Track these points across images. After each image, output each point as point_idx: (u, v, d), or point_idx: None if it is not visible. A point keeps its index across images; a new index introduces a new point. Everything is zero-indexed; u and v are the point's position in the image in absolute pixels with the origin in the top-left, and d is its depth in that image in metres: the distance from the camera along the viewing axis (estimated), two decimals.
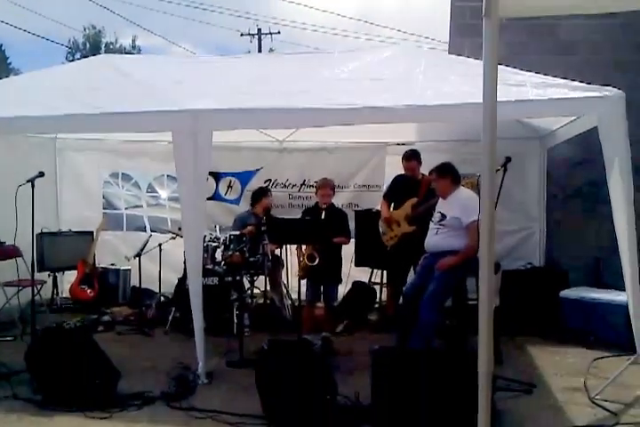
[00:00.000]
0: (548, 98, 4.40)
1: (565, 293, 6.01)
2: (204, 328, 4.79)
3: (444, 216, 4.98)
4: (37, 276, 5.73)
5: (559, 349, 5.57)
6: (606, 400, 4.12)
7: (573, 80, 4.70)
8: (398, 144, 7.44)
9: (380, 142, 7.60)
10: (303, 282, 5.39)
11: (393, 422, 3.68)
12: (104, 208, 8.19)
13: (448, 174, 5.06)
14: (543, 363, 5.14)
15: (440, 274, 4.83)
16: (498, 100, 2.44)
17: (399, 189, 6.26)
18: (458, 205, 4.94)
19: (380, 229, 6.28)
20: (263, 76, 5.67)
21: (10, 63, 41.83)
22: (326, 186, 5.82)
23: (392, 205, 6.26)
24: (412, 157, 6.14)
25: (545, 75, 4.87)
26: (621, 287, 4.52)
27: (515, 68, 4.95)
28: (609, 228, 4.38)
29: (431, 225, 5.12)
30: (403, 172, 6.39)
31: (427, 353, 4.30)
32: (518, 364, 5.08)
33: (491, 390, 2.42)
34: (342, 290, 6.68)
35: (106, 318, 6.61)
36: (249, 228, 6.54)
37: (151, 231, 7.89)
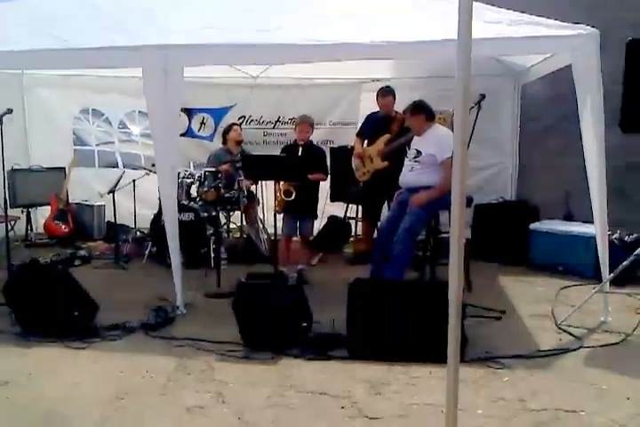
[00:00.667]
0: (522, 36, 4.37)
1: (535, 225, 6.17)
2: (181, 262, 4.86)
3: (419, 153, 5.01)
4: (10, 212, 5.70)
5: (528, 278, 5.76)
6: (572, 326, 4.29)
7: (550, 18, 4.66)
8: (373, 80, 7.38)
9: (355, 79, 7.52)
10: (279, 217, 5.43)
11: (367, 348, 3.81)
12: (75, 144, 8.07)
13: (421, 111, 5.05)
14: (513, 292, 5.31)
15: (414, 209, 4.89)
16: (473, 37, 2.42)
17: (372, 127, 6.26)
18: (433, 141, 4.96)
19: (353, 165, 6.31)
20: (236, 11, 5.51)
21: None
22: (305, 122, 5.79)
23: (365, 142, 6.27)
24: (388, 92, 6.12)
25: (522, 12, 4.82)
26: (590, 220, 4.64)
27: (492, 5, 4.89)
28: (580, 163, 4.45)
29: (406, 162, 5.15)
30: (377, 108, 6.37)
31: (400, 284, 4.43)
32: (489, 292, 5.24)
33: (460, 317, 2.51)
34: (318, 225, 6.76)
35: (82, 252, 6.61)
36: (224, 166, 6.53)
37: (124, 168, 7.82)
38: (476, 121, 4.85)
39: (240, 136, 6.91)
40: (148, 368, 3.67)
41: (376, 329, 3.80)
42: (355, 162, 6.28)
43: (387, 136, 5.94)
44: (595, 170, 4.30)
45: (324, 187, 6.51)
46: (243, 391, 3.35)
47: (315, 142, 6.55)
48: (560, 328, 4.27)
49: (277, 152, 6.10)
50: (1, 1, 6.13)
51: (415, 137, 5.20)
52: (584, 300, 4.35)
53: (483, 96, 4.91)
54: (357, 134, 6.49)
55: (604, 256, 4.39)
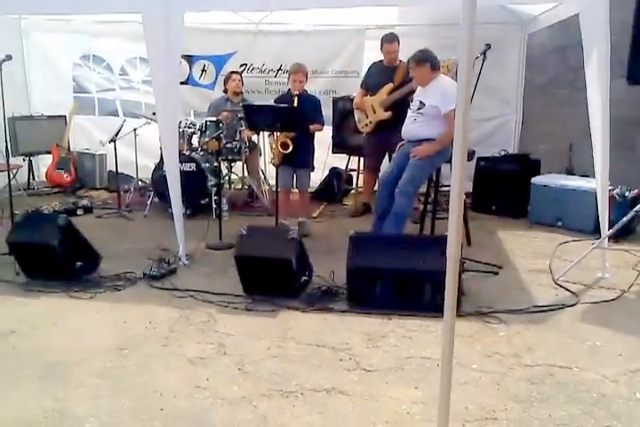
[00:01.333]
0: None
1: (536, 179, 6.13)
2: (183, 213, 4.89)
3: (422, 104, 4.93)
4: (12, 160, 5.69)
5: (528, 233, 5.77)
6: (569, 282, 4.33)
7: None
8: (378, 27, 7.22)
9: (359, 25, 7.36)
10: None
11: (365, 301, 3.87)
12: (75, 92, 7.99)
13: (426, 61, 4.93)
14: (511, 246, 5.33)
15: (416, 161, 4.87)
16: None
17: (376, 76, 6.14)
18: (437, 93, 4.87)
19: (356, 116, 6.24)
20: None
21: None
22: (298, 71, 5.62)
23: (368, 92, 6.17)
24: (393, 39, 5.96)
25: None
26: (592, 175, 4.62)
27: None
28: (584, 116, 4.39)
29: (409, 113, 5.08)
30: (381, 58, 6.24)
31: (400, 237, 4.46)
32: (487, 247, 5.27)
33: (458, 271, 2.54)
34: (319, 176, 6.76)
35: (84, 202, 6.64)
36: (224, 113, 6.48)
37: (124, 116, 7.76)
38: (480, 71, 4.76)
39: (238, 86, 6.82)
40: (150, 319, 3.74)
41: (375, 282, 3.85)
42: (356, 113, 6.20)
43: (389, 86, 5.84)
44: (598, 123, 4.23)
45: (325, 138, 6.45)
46: (244, 343, 3.42)
47: (317, 92, 6.46)
48: (557, 284, 4.31)
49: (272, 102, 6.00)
50: None
51: (419, 88, 5.12)
52: (582, 255, 4.36)
53: (488, 46, 4.80)
54: (361, 85, 6.38)
55: (604, 212, 4.38)
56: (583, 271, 4.47)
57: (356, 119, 6.21)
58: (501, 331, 3.54)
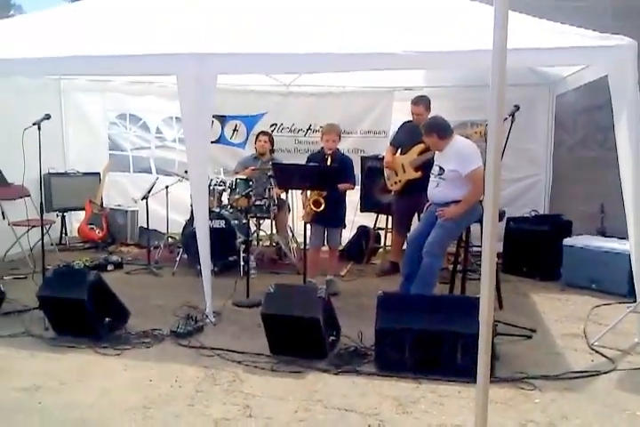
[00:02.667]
0: (557, 46, 4.33)
1: (569, 240, 6.04)
2: (211, 270, 4.90)
3: (442, 169, 4.95)
4: (46, 216, 5.79)
5: (560, 295, 5.66)
6: (604, 347, 4.20)
7: (590, 28, 4.60)
8: (406, 89, 7.36)
9: (387, 87, 7.51)
10: (308, 226, 5.43)
11: (395, 363, 3.78)
12: (110, 149, 8.20)
13: (432, 132, 4.99)
14: (544, 309, 5.23)
15: (443, 222, 4.85)
16: (508, 47, 2.40)
17: (406, 135, 6.21)
18: (453, 157, 4.89)
19: (385, 174, 6.27)
20: (269, 20, 5.55)
21: None
22: (332, 132, 5.73)
23: (399, 151, 6.22)
24: (419, 101, 6.06)
25: (562, 23, 4.76)
26: (625, 236, 4.55)
27: (524, 13, 4.84)
28: (615, 176, 4.37)
29: (431, 177, 5.09)
30: (410, 117, 6.33)
31: (430, 298, 4.40)
32: (520, 309, 5.16)
33: (491, 336, 2.49)
34: (348, 235, 6.75)
35: (114, 257, 6.69)
36: (247, 170, 6.60)
37: (157, 173, 7.92)
38: (509, 132, 4.79)
39: (263, 147, 6.97)
40: (176, 377, 3.71)
41: (405, 345, 3.77)
42: (386, 171, 6.24)
43: (420, 146, 5.87)
44: (630, 183, 4.20)
45: (353, 197, 6.48)
46: (270, 405, 3.36)
47: (346, 151, 6.54)
48: (592, 349, 4.19)
49: (304, 160, 6.09)
50: (40, 9, 6.28)
51: (437, 152, 5.16)
52: (617, 319, 4.26)
53: (517, 107, 4.81)
54: (391, 143, 6.44)
55: (639, 274, 4.29)
56: (619, 336, 4.35)
57: (386, 177, 6.24)
58: (536, 398, 3.43)
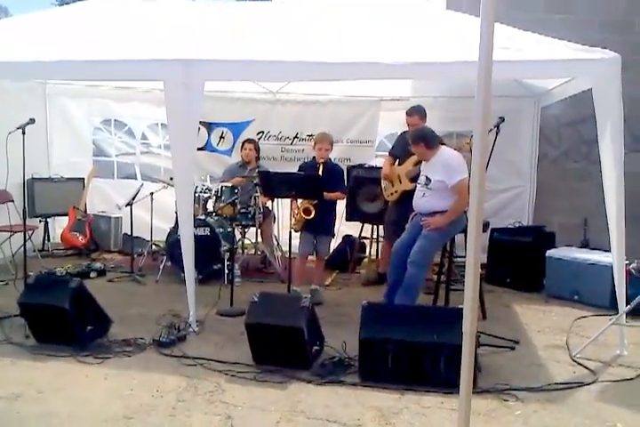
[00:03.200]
0: (543, 59, 4.37)
1: (551, 252, 6.08)
2: (195, 278, 4.87)
3: (428, 179, 4.96)
4: (29, 222, 5.74)
5: (544, 307, 5.68)
6: (586, 359, 4.22)
7: (577, 41, 4.65)
8: (392, 99, 7.39)
9: (374, 97, 7.54)
10: (295, 235, 5.42)
11: (378, 374, 3.78)
12: (94, 155, 8.15)
13: (420, 141, 5.02)
14: (527, 320, 5.24)
15: (428, 232, 4.87)
16: (493, 59, 2.42)
17: (402, 146, 6.20)
18: (440, 167, 4.91)
19: (382, 185, 6.27)
20: (258, 25, 5.57)
21: None
22: (324, 140, 5.73)
23: (397, 161, 6.21)
24: (412, 112, 6.04)
25: (548, 35, 4.81)
26: (607, 248, 4.58)
27: (510, 25, 4.90)
28: (598, 189, 4.40)
29: (417, 187, 5.10)
30: (398, 127, 6.34)
31: (414, 309, 4.40)
32: (503, 320, 5.18)
33: (474, 347, 2.49)
34: (333, 244, 6.73)
35: (97, 264, 6.63)
36: (236, 179, 6.59)
37: (142, 180, 7.88)
38: (494, 143, 4.82)
39: (248, 156, 6.98)
40: (157, 387, 3.67)
41: (388, 355, 3.76)
42: (384, 182, 6.23)
43: (416, 157, 5.84)
44: (613, 196, 4.24)
45: (339, 206, 6.46)
46: (252, 415, 3.34)
47: (332, 160, 6.55)
48: (575, 360, 4.21)
49: (295, 168, 6.09)
50: (26, 13, 6.26)
51: (423, 162, 5.18)
52: (600, 331, 4.28)
53: (502, 119, 4.86)
54: (389, 152, 6.43)
55: (621, 287, 4.32)
56: (601, 348, 4.38)
57: (383, 187, 6.23)
58: (518, 409, 3.43)
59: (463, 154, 4.97)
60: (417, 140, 5.03)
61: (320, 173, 5.50)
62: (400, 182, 5.98)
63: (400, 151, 6.16)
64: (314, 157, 5.84)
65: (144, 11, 6.49)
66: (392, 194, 6.08)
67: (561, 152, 7.52)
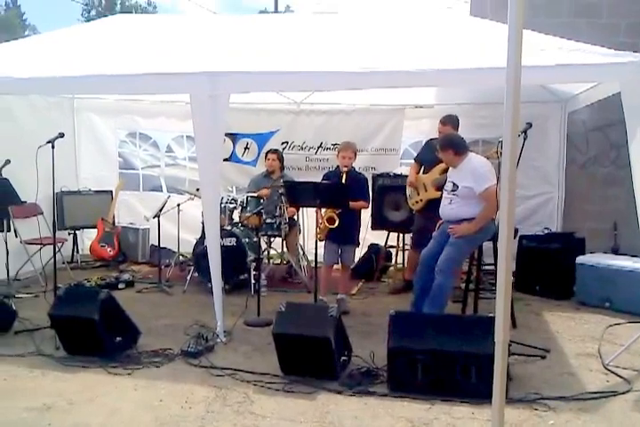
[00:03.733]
0: (570, 64, 4.32)
1: (582, 259, 5.98)
2: (222, 288, 4.88)
3: (455, 186, 4.92)
4: (58, 234, 5.81)
5: (574, 315, 5.59)
6: (619, 367, 4.14)
7: (595, 44, 4.61)
8: (416, 107, 7.37)
9: (398, 105, 7.52)
10: (320, 244, 5.41)
11: (408, 384, 3.74)
12: (120, 168, 8.24)
13: (449, 148, 4.98)
14: (558, 328, 5.16)
15: (455, 240, 4.82)
16: (521, 65, 2.40)
17: (429, 153, 6.15)
18: (468, 174, 4.87)
19: (407, 193, 6.24)
20: (281, 37, 5.61)
21: (26, 19, 41.62)
22: (348, 149, 5.75)
23: (422, 168, 6.18)
24: (446, 121, 6.00)
25: (576, 40, 4.77)
26: (638, 254, 4.50)
27: (536, 31, 4.86)
28: (628, 194, 4.33)
29: (444, 194, 5.07)
30: (420, 136, 6.31)
31: (443, 318, 4.35)
32: (533, 329, 5.11)
33: (507, 357, 2.45)
34: (359, 253, 6.72)
35: (126, 276, 6.71)
36: (263, 190, 6.61)
37: (168, 192, 7.94)
38: (522, 149, 4.77)
39: (272, 166, 6.99)
40: (186, 398, 3.68)
41: (418, 365, 3.72)
42: (408, 190, 6.20)
43: (443, 165, 5.78)
44: None
45: (364, 215, 6.45)
46: (280, 426, 3.32)
47: (357, 169, 6.55)
48: (607, 369, 4.13)
49: (319, 178, 6.09)
50: (53, 30, 6.37)
51: (450, 168, 5.14)
52: (633, 339, 4.20)
53: (529, 125, 4.80)
54: (415, 159, 6.41)
55: None
56: (634, 356, 4.30)
57: (408, 196, 6.20)
58: (551, 419, 3.37)
59: (491, 161, 4.93)
60: (445, 147, 4.99)
61: (343, 181, 5.50)
62: (425, 191, 5.94)
63: (426, 158, 6.11)
64: (338, 166, 5.85)
65: (168, 25, 6.59)
66: (417, 202, 6.04)
67: (589, 157, 7.43)
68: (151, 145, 8.29)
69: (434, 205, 5.77)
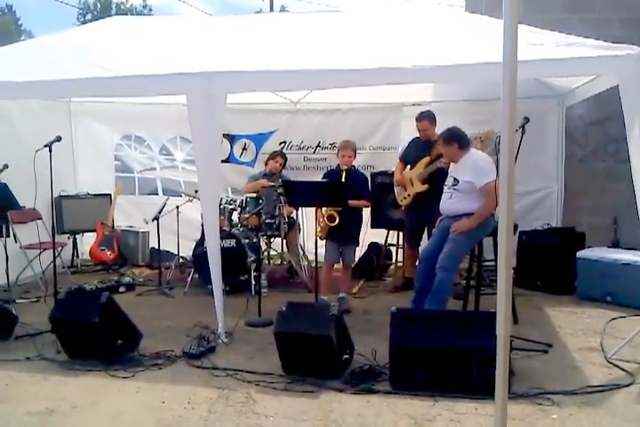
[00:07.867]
0: (567, 57, 4.31)
1: (582, 253, 5.98)
2: (222, 289, 4.88)
3: (456, 180, 4.93)
4: (57, 238, 5.80)
5: (576, 309, 5.58)
6: (622, 360, 4.13)
7: (600, 38, 4.59)
8: (414, 104, 7.36)
9: (395, 103, 7.51)
10: (320, 244, 5.40)
11: (410, 381, 3.73)
12: (117, 171, 8.24)
13: (454, 141, 4.98)
14: (560, 323, 5.15)
15: (456, 236, 4.82)
16: (517, 59, 2.39)
17: (414, 151, 6.21)
18: (469, 168, 4.88)
19: (395, 191, 6.27)
20: (277, 36, 5.60)
21: (21, 24, 41.63)
22: (348, 147, 5.74)
23: (408, 166, 6.22)
24: (422, 117, 6.05)
25: (569, 34, 4.76)
26: (639, 248, 4.49)
27: (533, 26, 4.85)
28: (627, 188, 4.32)
29: (445, 189, 5.08)
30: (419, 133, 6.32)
31: (444, 314, 4.34)
32: (535, 324, 5.10)
33: (509, 351, 2.44)
34: (359, 252, 6.71)
35: (126, 279, 6.71)
36: (261, 180, 6.61)
37: (164, 194, 7.94)
38: (520, 144, 4.76)
39: (276, 168, 6.99)
40: (189, 399, 3.67)
41: (419, 361, 3.71)
42: (396, 188, 6.24)
43: (426, 159, 5.86)
44: None
45: (364, 213, 6.45)
46: (284, 425, 3.32)
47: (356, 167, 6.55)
48: (610, 362, 4.12)
49: (318, 177, 6.08)
50: (48, 33, 6.36)
51: (452, 164, 5.15)
52: (635, 332, 4.19)
53: (527, 120, 4.80)
54: (400, 158, 6.45)
55: None
56: (637, 349, 4.28)
57: (396, 192, 6.23)
58: (554, 413, 3.36)
59: (478, 147, 4.95)
60: (450, 140, 4.99)
61: (343, 179, 5.49)
62: (412, 186, 5.97)
63: (410, 156, 6.17)
64: (338, 165, 5.85)
65: (164, 26, 6.57)
66: (405, 198, 6.09)
67: (588, 152, 7.43)
68: (146, 147, 8.28)
69: (422, 198, 5.82)
